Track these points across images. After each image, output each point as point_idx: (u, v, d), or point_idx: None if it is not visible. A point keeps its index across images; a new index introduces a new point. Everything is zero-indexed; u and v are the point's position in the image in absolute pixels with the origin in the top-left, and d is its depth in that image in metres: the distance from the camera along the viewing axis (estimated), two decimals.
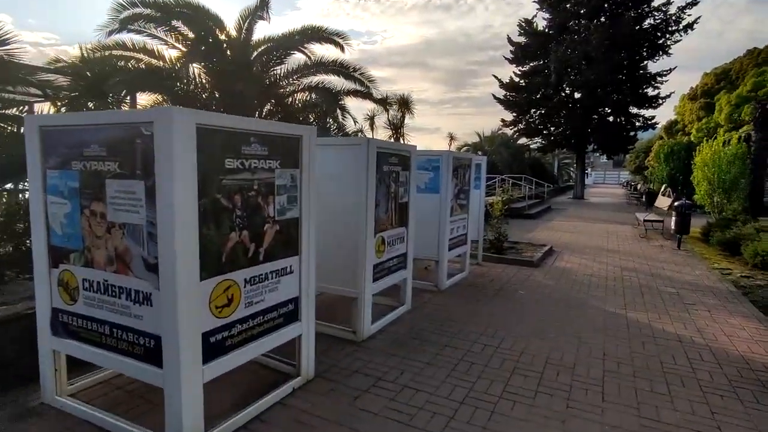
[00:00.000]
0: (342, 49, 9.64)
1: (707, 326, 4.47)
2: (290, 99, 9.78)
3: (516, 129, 25.77)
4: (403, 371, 3.35)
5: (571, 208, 18.74)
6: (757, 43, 48.89)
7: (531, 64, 24.28)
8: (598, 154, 36.40)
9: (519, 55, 24.24)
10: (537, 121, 24.98)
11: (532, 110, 24.74)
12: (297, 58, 9.79)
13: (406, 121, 17.69)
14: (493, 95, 25.11)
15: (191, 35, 8.44)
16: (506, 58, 24.69)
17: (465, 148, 28.34)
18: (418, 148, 4.84)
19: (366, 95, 9.68)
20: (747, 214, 10.18)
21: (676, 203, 9.44)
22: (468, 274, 6.49)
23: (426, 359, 3.57)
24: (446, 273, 5.72)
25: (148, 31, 8.78)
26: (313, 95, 9.83)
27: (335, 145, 4.03)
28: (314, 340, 3.18)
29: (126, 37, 8.71)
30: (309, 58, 9.72)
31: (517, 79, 24.57)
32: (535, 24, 23.87)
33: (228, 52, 9.33)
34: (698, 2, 20.96)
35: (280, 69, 9.76)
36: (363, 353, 3.66)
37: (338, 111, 9.70)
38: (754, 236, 7.68)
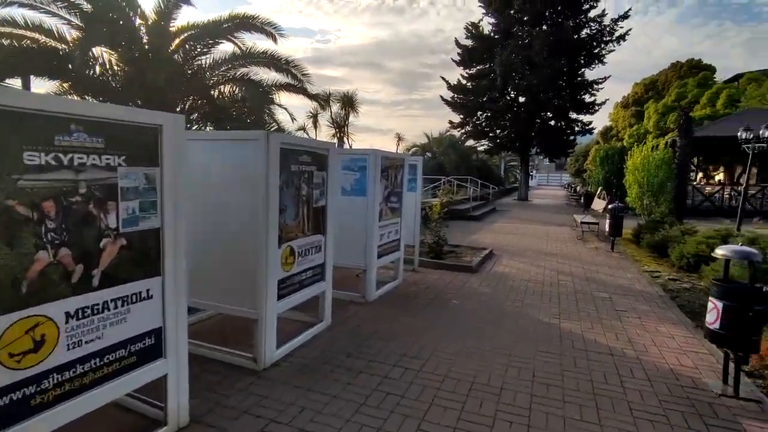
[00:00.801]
0: (275, 39, 8.93)
1: (638, 336, 4.32)
2: (216, 92, 8.93)
3: (463, 131, 26.06)
4: (303, 408, 2.82)
5: (515, 210, 19.05)
6: (679, 58, 53.35)
7: (478, 67, 24.60)
8: (541, 157, 37.83)
9: (466, 57, 24.50)
10: (483, 124, 25.36)
11: (479, 113, 25.09)
12: (226, 48, 9.00)
13: (351, 119, 17.18)
14: (441, 96, 25.23)
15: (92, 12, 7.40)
16: (454, 61, 24.88)
17: (413, 149, 28.27)
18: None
19: (300, 90, 9.03)
20: (673, 216, 10.60)
21: (609, 206, 9.61)
22: (401, 282, 6.07)
23: (334, 391, 3.06)
24: (374, 282, 5.25)
25: (46, 7, 7.65)
26: (244, 89, 9.06)
27: (229, 140, 3.40)
28: (187, 379, 2.57)
29: (17, 12, 7.53)
30: (239, 47, 8.94)
31: (464, 82, 24.82)
32: (481, 28, 24.25)
33: (144, 38, 8.36)
34: (629, 16, 22.30)
35: (205, 59, 8.90)
36: (260, 386, 3.09)
37: (269, 106, 8.99)
38: (680, 239, 7.89)
